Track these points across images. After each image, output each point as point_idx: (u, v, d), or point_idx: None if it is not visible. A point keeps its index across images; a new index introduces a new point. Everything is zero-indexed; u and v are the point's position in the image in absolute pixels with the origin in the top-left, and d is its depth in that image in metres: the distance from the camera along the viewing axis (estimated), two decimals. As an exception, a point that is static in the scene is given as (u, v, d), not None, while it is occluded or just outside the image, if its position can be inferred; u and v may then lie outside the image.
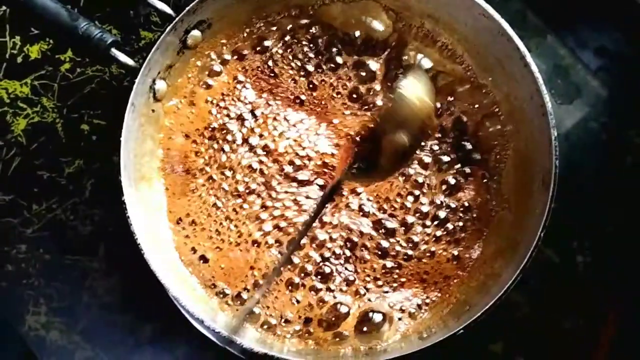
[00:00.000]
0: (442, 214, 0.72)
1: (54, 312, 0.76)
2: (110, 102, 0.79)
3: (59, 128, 0.79)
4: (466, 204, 0.72)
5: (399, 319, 0.69)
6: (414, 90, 0.68)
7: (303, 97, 0.74)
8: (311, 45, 0.75)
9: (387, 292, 0.70)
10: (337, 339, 0.69)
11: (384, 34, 0.75)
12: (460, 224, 0.72)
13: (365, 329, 0.69)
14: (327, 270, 0.70)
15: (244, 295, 0.69)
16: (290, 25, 0.75)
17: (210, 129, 0.73)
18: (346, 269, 0.70)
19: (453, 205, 0.72)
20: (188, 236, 0.71)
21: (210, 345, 0.68)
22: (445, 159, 0.73)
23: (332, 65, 0.75)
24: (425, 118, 0.69)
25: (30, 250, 0.77)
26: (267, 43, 0.75)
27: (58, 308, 0.76)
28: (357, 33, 0.75)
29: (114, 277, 0.77)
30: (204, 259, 0.70)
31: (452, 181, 0.72)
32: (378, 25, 0.75)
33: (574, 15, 0.82)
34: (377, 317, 0.69)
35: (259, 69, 0.75)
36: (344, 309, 0.69)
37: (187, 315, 0.66)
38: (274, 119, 0.74)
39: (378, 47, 0.75)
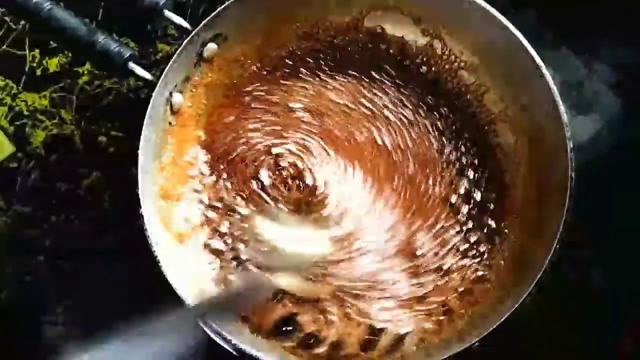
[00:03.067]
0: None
1: (72, 323, 0.77)
2: (127, 115, 0.79)
3: (77, 140, 0.80)
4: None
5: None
6: None
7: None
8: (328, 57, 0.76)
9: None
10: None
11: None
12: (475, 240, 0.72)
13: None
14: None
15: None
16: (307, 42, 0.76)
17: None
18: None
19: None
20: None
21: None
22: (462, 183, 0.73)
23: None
24: None
25: (48, 262, 0.78)
26: (283, 55, 0.76)
27: (76, 320, 0.77)
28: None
29: (133, 289, 0.77)
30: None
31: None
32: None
33: (589, 27, 0.82)
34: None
35: (278, 82, 0.75)
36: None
37: (208, 331, 0.66)
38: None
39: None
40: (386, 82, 0.75)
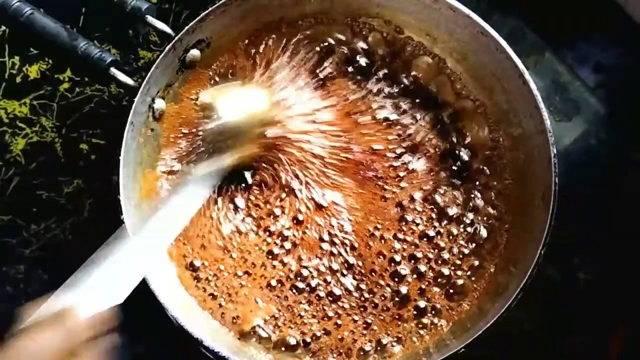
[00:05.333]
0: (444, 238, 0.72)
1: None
2: (109, 122, 0.79)
3: (57, 147, 0.79)
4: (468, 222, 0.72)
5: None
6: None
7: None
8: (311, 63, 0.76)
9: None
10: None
11: (381, 52, 0.76)
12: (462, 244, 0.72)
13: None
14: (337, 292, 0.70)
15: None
16: (291, 44, 0.76)
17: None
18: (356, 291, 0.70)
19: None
20: (186, 256, 0.71)
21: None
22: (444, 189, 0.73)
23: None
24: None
25: (28, 271, 0.77)
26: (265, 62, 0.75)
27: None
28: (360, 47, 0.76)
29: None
30: (202, 279, 0.70)
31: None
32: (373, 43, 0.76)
33: (572, 32, 0.82)
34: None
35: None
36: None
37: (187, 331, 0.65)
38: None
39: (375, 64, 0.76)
40: (376, 87, 0.75)
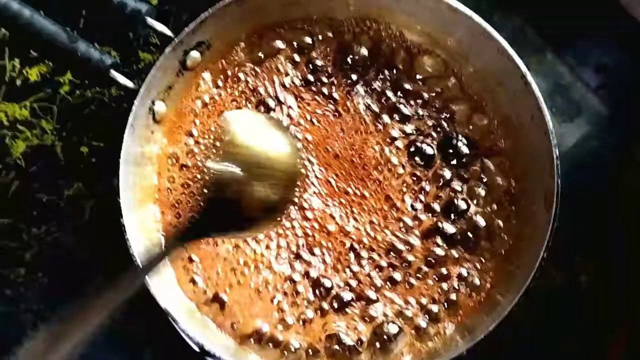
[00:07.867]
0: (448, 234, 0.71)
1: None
2: (109, 124, 0.79)
3: (58, 150, 0.79)
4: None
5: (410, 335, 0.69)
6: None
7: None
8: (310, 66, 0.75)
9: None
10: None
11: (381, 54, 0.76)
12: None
13: (378, 344, 0.68)
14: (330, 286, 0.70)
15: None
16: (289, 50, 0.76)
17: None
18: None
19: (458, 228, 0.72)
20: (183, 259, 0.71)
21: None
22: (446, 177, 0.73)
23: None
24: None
25: (28, 274, 0.76)
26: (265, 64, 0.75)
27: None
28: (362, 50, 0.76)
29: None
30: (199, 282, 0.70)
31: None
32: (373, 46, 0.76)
33: (573, 33, 0.82)
34: (393, 328, 0.68)
35: (258, 91, 0.75)
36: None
37: (186, 339, 0.65)
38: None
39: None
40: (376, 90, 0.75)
